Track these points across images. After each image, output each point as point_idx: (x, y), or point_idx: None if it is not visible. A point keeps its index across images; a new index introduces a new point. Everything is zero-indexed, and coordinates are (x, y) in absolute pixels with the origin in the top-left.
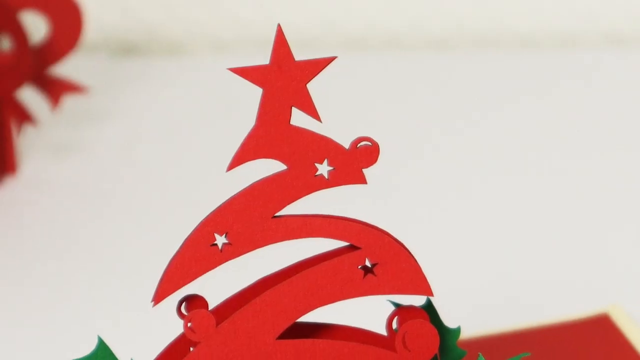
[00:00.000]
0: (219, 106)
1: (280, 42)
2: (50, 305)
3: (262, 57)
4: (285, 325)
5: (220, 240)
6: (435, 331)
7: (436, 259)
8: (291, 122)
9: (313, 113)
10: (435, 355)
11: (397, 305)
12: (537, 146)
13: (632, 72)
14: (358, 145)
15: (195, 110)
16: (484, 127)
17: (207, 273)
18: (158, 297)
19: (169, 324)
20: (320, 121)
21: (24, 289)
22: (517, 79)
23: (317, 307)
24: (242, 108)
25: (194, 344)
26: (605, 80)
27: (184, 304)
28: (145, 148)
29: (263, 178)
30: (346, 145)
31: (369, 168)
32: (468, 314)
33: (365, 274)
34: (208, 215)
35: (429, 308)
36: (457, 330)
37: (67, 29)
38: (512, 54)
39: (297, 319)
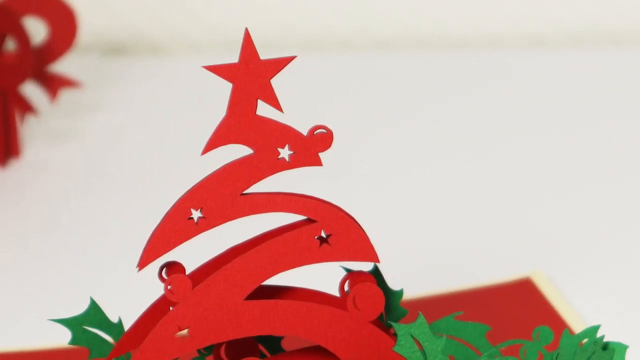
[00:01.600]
0: (195, 99)
1: (247, 44)
2: (49, 271)
3: (232, 57)
4: (252, 287)
5: (196, 214)
6: (382, 293)
7: (381, 230)
8: (257, 113)
9: (276, 104)
10: (382, 313)
11: (348, 270)
12: (463, 132)
13: (549, 72)
14: (315, 132)
15: (175, 103)
16: (418, 118)
17: (185, 243)
18: (142, 264)
19: (151, 287)
20: (282, 112)
21: (25, 256)
22: (447, 77)
23: (279, 272)
24: (214, 101)
25: (173, 304)
26: (528, 79)
27: (164, 269)
28: (131, 135)
29: (232, 161)
30: (304, 132)
31: (324, 152)
32: (410, 278)
33: (321, 244)
34: (185, 193)
35: (375, 273)
36: (400, 292)
37: (64, 32)
38: (444, 54)
39: (262, 282)
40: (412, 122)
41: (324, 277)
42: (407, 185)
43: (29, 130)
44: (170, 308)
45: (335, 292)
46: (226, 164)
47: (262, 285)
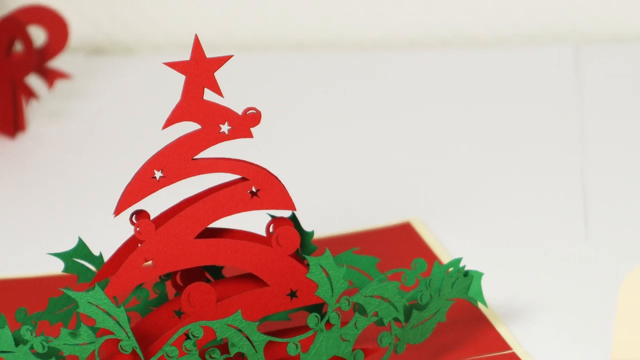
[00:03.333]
0: (158, 88)
1: (197, 46)
2: (48, 217)
3: (186, 56)
4: (200, 229)
5: (158, 174)
6: (297, 233)
7: (296, 185)
8: (204, 98)
9: (217, 91)
10: (297, 249)
11: (272, 216)
12: (356, 110)
13: (447, 72)
14: (247, 112)
15: (142, 91)
16: (327, 109)
17: (149, 196)
18: (117, 211)
19: (124, 229)
20: (223, 97)
21: (31, 206)
22: (358, 76)
23: (220, 218)
24: (172, 90)
25: (141, 242)
26: (442, 78)
27: (134, 215)
28: (110, 116)
29: (185, 134)
30: (239, 112)
31: (254, 127)
32: (319, 222)
33: (252, 196)
34: (150, 158)
35: (293, 218)
36: (311, 233)
37: (58, 37)
38: (354, 55)
39: (207, 225)
40: (320, 109)
41: (254, 221)
42: (314, 151)
43: (32, 111)
44: (139, 245)
45: (263, 233)
46: (180, 136)
47: (208, 227)
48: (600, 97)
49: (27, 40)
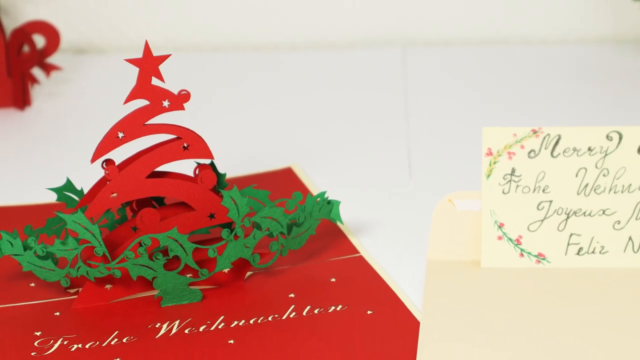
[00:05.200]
0: (122, 77)
1: (147, 48)
2: (48, 165)
3: (140, 54)
4: (149, 172)
5: (120, 134)
6: (214, 174)
7: (213, 142)
8: (152, 82)
9: (160, 78)
10: (215, 185)
11: (198, 163)
12: (256, 96)
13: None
14: (181, 93)
15: (112, 80)
16: (236, 95)
17: (114, 149)
18: (93, 160)
19: (97, 173)
20: (164, 81)
21: (35, 159)
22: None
23: (163, 164)
24: (132, 79)
25: (109, 181)
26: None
27: (104, 162)
28: (89, 97)
29: (139, 107)
30: (175, 92)
31: (185, 103)
32: (229, 167)
33: (184, 150)
34: (115, 124)
35: (211, 164)
36: (224, 175)
37: (52, 42)
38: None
39: (154, 169)
40: (230, 93)
41: (185, 166)
42: (226, 118)
43: (35, 92)
44: (107, 182)
45: (191, 174)
46: (136, 109)
47: (154, 170)
48: (421, 86)
49: (32, 44)
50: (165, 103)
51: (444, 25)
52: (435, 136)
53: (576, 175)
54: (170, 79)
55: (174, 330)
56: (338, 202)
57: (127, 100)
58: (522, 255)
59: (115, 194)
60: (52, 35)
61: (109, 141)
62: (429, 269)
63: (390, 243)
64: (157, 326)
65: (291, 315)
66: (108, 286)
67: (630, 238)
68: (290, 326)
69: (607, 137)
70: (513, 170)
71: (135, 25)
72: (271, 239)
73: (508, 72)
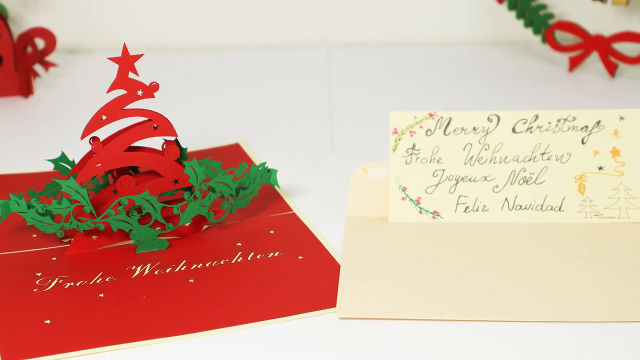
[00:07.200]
0: (106, 72)
1: (125, 49)
2: (48, 141)
3: (119, 54)
4: (127, 146)
5: (104, 117)
6: (178, 149)
7: (178, 123)
8: (129, 76)
9: (135, 73)
10: (178, 157)
11: (165, 139)
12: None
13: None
14: (152, 84)
15: (98, 75)
16: (198, 83)
17: (99, 129)
18: (82, 137)
19: (85, 146)
20: (138, 75)
21: (37, 137)
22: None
23: (138, 140)
24: (113, 74)
25: (95, 154)
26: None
27: (91, 139)
28: (80, 88)
29: (118, 95)
30: (147, 84)
31: (156, 92)
32: (189, 143)
33: (154, 129)
34: (99, 108)
35: (175, 140)
36: (185, 149)
37: (50, 44)
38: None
39: (130, 144)
40: (196, 83)
41: (155, 142)
42: (188, 104)
43: (36, 83)
44: (93, 155)
45: (160, 148)
46: (116, 97)
47: (131, 145)
48: (342, 79)
49: (34, 46)
50: (140, 92)
51: (360, 31)
52: (353, 119)
53: (464, 149)
54: (144, 74)
55: (146, 272)
56: (275, 171)
57: (109, 90)
58: (421, 212)
59: (99, 164)
60: (50, 38)
61: (95, 122)
62: (347, 224)
63: (317, 203)
64: (132, 268)
65: (239, 260)
66: (94, 237)
67: (506, 199)
68: (238, 268)
69: (488, 119)
70: (414, 146)
71: (115, 31)
72: (223, 200)
73: (411, 68)
